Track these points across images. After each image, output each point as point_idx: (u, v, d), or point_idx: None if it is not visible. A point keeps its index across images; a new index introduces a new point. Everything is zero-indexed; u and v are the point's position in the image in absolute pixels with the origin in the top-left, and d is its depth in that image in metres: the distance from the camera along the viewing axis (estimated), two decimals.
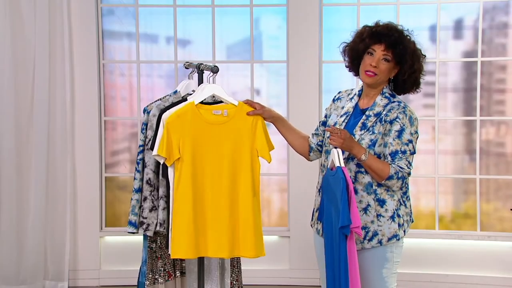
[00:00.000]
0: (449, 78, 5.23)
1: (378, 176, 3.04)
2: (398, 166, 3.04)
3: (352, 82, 4.87)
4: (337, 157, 3.02)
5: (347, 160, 3.12)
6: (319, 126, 3.35)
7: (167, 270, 3.32)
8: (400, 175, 3.04)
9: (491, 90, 5.20)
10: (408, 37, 3.14)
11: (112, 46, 5.34)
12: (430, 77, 5.08)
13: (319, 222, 3.23)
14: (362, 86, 3.27)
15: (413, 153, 3.08)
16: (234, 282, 3.43)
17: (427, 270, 5.15)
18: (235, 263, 3.43)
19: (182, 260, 3.38)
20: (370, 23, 3.21)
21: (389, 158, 3.06)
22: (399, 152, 3.05)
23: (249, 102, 3.21)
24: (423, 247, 5.14)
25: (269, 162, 3.18)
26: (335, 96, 3.35)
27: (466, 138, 5.24)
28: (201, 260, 3.27)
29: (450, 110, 5.26)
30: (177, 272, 3.37)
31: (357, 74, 3.26)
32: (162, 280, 3.30)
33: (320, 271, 3.30)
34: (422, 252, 5.14)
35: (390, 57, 3.11)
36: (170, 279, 3.34)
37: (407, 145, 3.06)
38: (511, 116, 5.18)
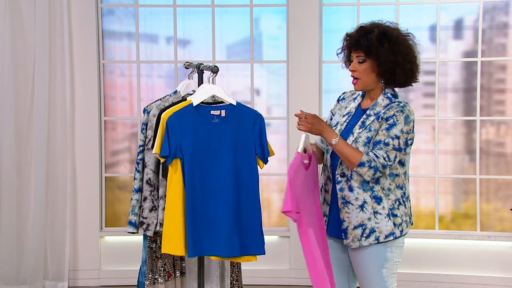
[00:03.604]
0: (449, 78, 5.23)
1: (350, 163, 3.02)
2: (374, 154, 3.01)
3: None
4: (301, 142, 3.02)
5: (342, 161, 3.10)
6: None
7: (167, 270, 3.32)
8: (372, 164, 3.00)
9: (491, 90, 5.20)
10: (377, 27, 3.06)
11: (112, 46, 5.34)
12: (430, 77, 5.08)
13: None
14: None
15: (397, 149, 3.03)
16: (234, 282, 3.43)
17: (427, 270, 5.15)
18: (235, 263, 3.43)
19: (182, 260, 3.38)
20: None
21: (371, 146, 3.05)
22: (382, 142, 3.03)
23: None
24: (423, 247, 5.14)
25: (261, 167, 3.18)
26: (339, 96, 3.35)
27: (466, 138, 5.23)
28: (201, 260, 3.27)
29: (450, 110, 5.26)
30: (177, 272, 3.37)
31: None
32: (162, 280, 3.30)
33: None
34: (422, 252, 5.14)
35: (363, 56, 3.09)
36: (170, 279, 3.34)
37: (393, 139, 3.03)
38: (511, 116, 5.18)
